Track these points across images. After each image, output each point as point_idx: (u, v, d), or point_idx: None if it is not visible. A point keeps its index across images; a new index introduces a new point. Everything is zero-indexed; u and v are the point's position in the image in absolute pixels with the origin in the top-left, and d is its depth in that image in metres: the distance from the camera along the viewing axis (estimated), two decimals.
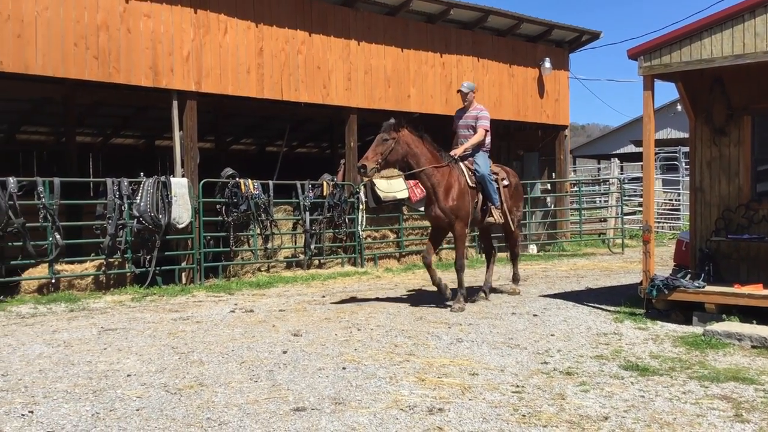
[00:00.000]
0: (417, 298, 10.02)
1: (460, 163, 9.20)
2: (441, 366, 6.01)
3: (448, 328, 7.74)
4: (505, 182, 9.83)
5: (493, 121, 17.49)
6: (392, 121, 8.91)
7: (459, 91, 9.75)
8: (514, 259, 10.65)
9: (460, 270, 9.16)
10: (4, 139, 19.50)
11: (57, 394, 5.24)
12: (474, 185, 9.16)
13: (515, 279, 10.53)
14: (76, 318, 8.74)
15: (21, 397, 5.17)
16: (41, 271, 10.57)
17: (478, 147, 9.49)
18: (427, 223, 15.56)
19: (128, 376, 5.79)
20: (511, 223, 9.89)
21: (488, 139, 9.64)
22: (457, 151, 9.30)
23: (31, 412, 4.81)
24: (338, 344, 6.92)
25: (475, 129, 9.48)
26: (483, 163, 9.34)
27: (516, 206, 10.21)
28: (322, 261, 13.64)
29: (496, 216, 9.44)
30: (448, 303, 8.96)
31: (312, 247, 13.23)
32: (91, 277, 10.95)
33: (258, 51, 12.81)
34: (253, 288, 11.40)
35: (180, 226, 11.42)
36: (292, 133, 20.40)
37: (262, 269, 12.92)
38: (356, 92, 14.33)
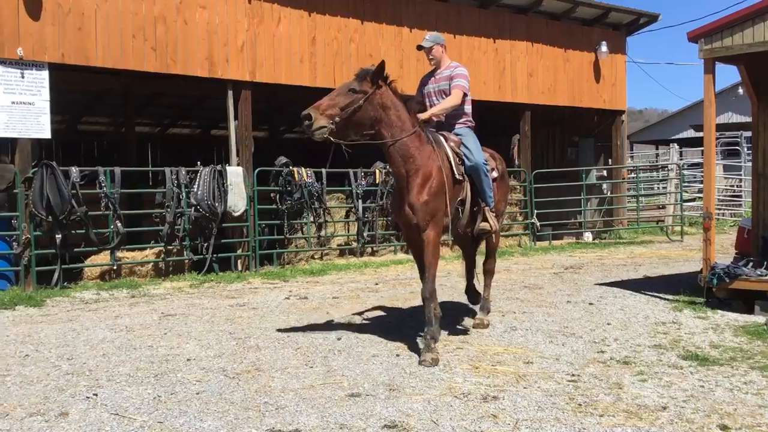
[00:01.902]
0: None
1: (446, 145, 6.46)
2: (495, 354, 5.99)
3: (502, 316, 7.70)
4: (495, 173, 6.98)
5: (548, 107, 17.52)
6: (370, 68, 6.09)
7: (419, 47, 7.09)
8: (488, 276, 7.44)
9: (428, 298, 6.04)
10: (66, 129, 20.06)
11: (120, 378, 5.40)
12: (461, 177, 6.43)
13: (484, 305, 7.30)
14: (137, 304, 8.98)
15: (86, 380, 5.35)
16: (103, 258, 10.89)
17: (457, 118, 6.85)
18: None
19: (188, 360, 5.93)
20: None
21: (469, 108, 6.95)
22: (424, 115, 6.49)
23: (96, 394, 4.97)
24: (390, 332, 6.95)
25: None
26: (475, 146, 6.65)
27: (504, 203, 7.47)
28: (374, 249, 13.70)
29: (492, 222, 6.62)
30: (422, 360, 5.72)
31: (365, 234, 13.30)
32: (151, 264, 11.23)
33: (311, 40, 12.88)
34: (307, 275, 11.52)
35: (236, 214, 11.61)
36: None
37: (315, 257, 13.05)
38: (408, 80, 14.21)
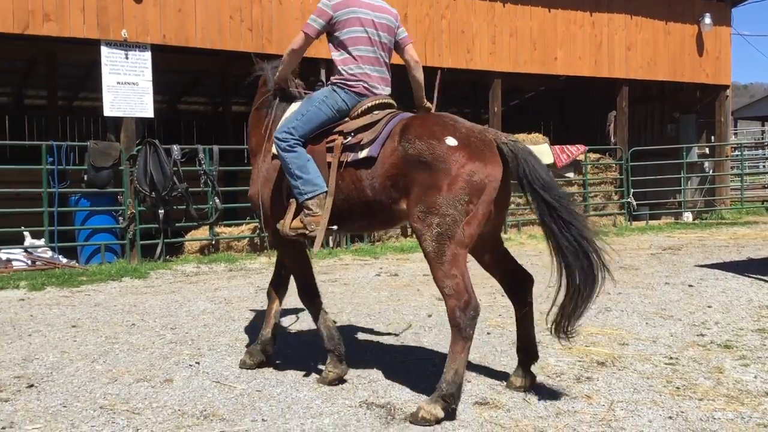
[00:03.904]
0: None
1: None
2: (589, 335, 5.89)
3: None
4: (362, 153, 4.34)
5: (646, 82, 16.89)
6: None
7: None
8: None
9: (304, 300, 5.04)
10: (167, 108, 20.83)
11: (220, 347, 5.62)
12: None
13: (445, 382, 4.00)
14: (234, 277, 9.29)
15: (188, 349, 5.60)
16: (202, 233, 11.30)
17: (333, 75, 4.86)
18: (572, 188, 15.21)
19: (297, 332, 6.10)
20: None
21: (344, 55, 4.74)
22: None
23: (198, 363, 5.19)
24: (483, 309, 6.92)
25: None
26: (297, 112, 4.73)
27: (429, 211, 4.02)
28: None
29: (285, 221, 4.58)
30: None
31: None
32: (247, 239, 11.57)
33: (403, 17, 12.85)
34: (397, 252, 11.60)
35: None
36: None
37: (405, 234, 13.11)
38: (501, 56, 14.09)
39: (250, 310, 7.11)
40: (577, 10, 14.95)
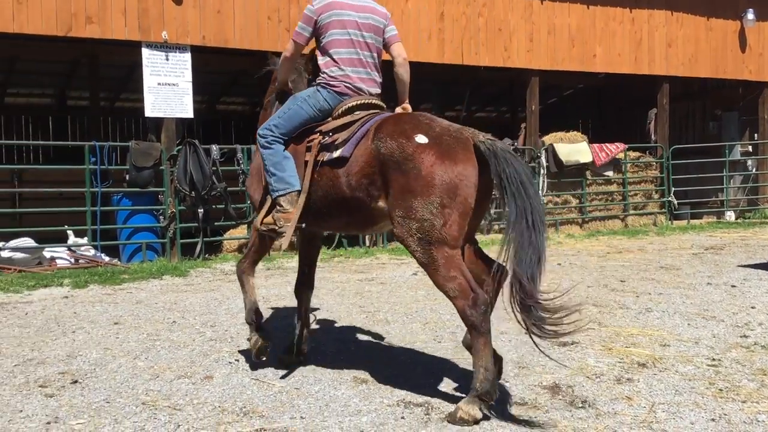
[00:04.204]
0: (602, 265, 9.71)
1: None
2: (629, 336, 5.82)
3: (636, 297, 7.45)
4: (336, 153, 4.35)
5: (687, 79, 16.61)
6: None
7: None
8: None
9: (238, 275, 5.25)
10: (206, 109, 21.06)
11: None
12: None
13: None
14: (272, 276, 9.37)
15: (228, 347, 5.66)
16: (240, 231, 11.41)
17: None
18: (612, 187, 15.03)
19: (322, 331, 6.13)
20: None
21: (326, 59, 4.81)
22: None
23: (237, 360, 5.25)
24: None
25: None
26: (280, 112, 4.84)
27: (407, 215, 3.96)
28: (501, 226, 13.56)
29: (261, 216, 4.80)
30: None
31: (492, 212, 13.20)
32: None
33: (439, 16, 12.83)
34: None
35: None
36: (471, 98, 20.32)
37: None
38: (538, 53, 13.97)
39: (288, 308, 7.16)
40: (617, 7, 14.75)
